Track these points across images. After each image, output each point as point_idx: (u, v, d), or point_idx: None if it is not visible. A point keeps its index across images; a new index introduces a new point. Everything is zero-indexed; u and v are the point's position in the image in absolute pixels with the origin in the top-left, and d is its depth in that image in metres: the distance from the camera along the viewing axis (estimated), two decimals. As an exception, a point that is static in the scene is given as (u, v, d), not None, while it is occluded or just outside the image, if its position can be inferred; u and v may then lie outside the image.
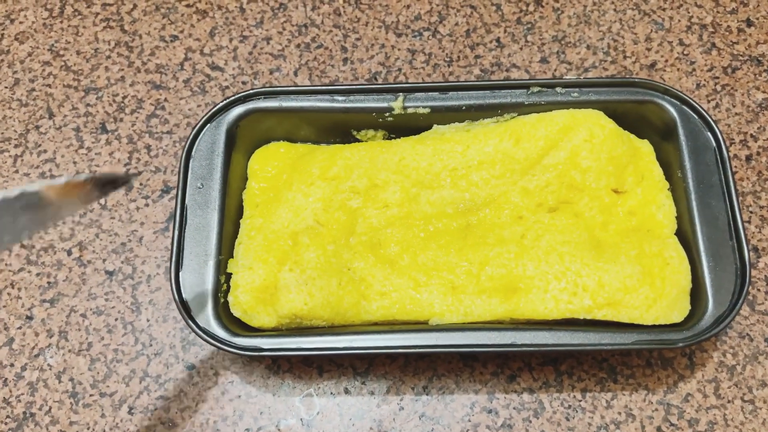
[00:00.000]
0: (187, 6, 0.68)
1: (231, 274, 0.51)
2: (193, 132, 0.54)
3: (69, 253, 0.58)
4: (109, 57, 0.66)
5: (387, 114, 0.55)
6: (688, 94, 0.63)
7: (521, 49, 0.65)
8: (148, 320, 0.56)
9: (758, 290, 0.56)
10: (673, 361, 0.54)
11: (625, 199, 0.53)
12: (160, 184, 0.61)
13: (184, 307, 0.49)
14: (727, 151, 0.52)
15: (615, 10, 0.67)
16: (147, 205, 0.60)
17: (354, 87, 0.55)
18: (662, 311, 0.48)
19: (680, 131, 0.53)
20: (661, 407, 0.52)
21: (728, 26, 0.66)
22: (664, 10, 0.67)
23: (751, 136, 0.61)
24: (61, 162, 0.62)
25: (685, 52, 0.65)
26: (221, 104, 0.54)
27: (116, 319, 0.56)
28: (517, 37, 0.66)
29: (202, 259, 0.50)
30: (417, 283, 0.50)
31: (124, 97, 0.64)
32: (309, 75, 0.65)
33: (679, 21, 0.66)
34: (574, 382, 0.53)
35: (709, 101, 0.63)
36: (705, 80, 0.64)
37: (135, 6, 0.68)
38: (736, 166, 0.60)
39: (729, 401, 0.53)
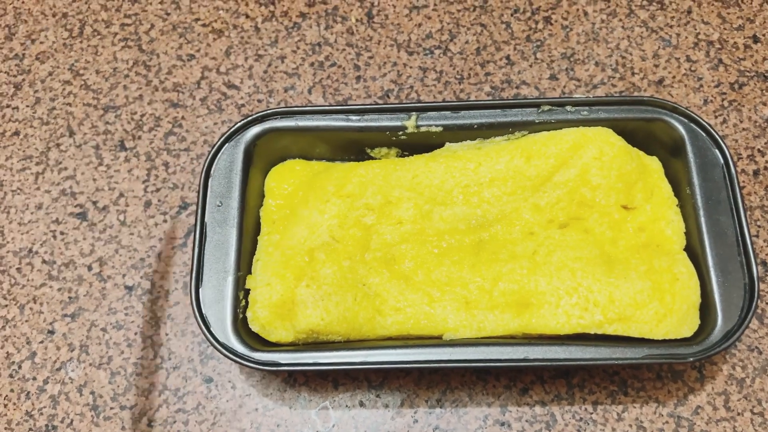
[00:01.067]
0: (203, 26, 0.70)
1: (249, 290, 0.52)
2: (212, 151, 0.55)
3: (89, 268, 0.60)
4: (127, 76, 0.68)
5: (400, 132, 0.56)
6: (695, 110, 0.64)
7: (531, 66, 0.67)
8: (166, 334, 0.57)
9: (767, 304, 0.57)
10: (683, 374, 0.55)
11: (634, 215, 0.54)
12: (178, 201, 0.62)
13: (204, 322, 0.50)
14: (735, 168, 0.53)
15: (623, 27, 0.68)
16: (165, 221, 0.61)
17: (368, 107, 0.56)
18: (672, 326, 0.49)
19: (688, 148, 0.54)
20: (671, 420, 0.53)
21: (735, 42, 0.67)
22: (671, 27, 0.68)
23: (759, 151, 0.62)
24: (81, 179, 0.63)
25: (693, 69, 0.66)
26: (239, 124, 0.56)
27: (135, 333, 0.57)
28: (526, 55, 0.67)
29: (221, 276, 0.51)
30: (431, 298, 0.51)
31: (142, 116, 0.66)
32: (323, 93, 0.66)
33: (686, 38, 0.67)
34: (585, 395, 0.54)
35: (716, 117, 0.64)
36: (712, 96, 0.65)
37: (152, 26, 0.70)
38: (744, 181, 0.61)
39: (739, 414, 0.53)
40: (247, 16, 0.70)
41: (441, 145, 0.57)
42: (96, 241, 0.61)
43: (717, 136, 0.54)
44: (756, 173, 0.61)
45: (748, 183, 0.61)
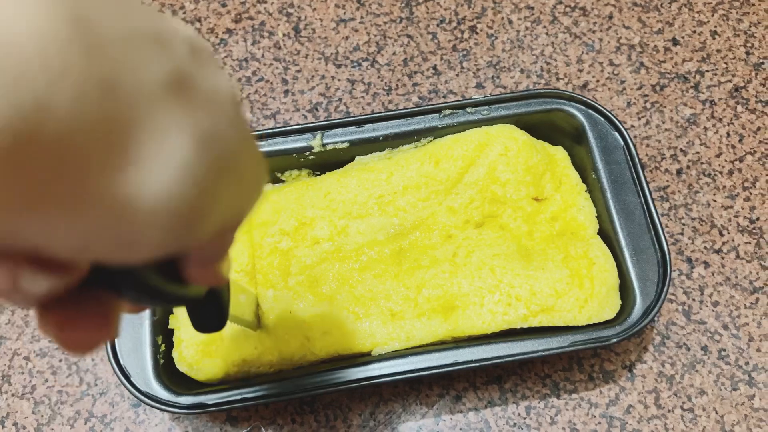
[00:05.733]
0: (129, 45, 0.69)
1: (168, 333, 0.51)
2: None
3: (12, 296, 0.58)
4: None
5: (308, 153, 0.56)
6: (619, 112, 0.65)
7: (457, 75, 0.67)
8: (93, 359, 0.56)
9: (693, 300, 0.57)
10: (614, 374, 0.55)
11: (546, 206, 0.55)
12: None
13: (124, 374, 0.48)
14: (635, 148, 0.54)
15: (547, 33, 0.69)
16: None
17: (269, 131, 0.55)
18: (594, 310, 0.50)
19: (589, 134, 0.55)
20: (604, 420, 0.53)
21: (655, 46, 0.68)
22: (594, 32, 0.69)
23: (681, 150, 0.63)
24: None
25: (615, 72, 0.67)
26: None
27: (60, 360, 0.56)
28: (453, 64, 0.68)
29: (136, 323, 0.50)
30: (356, 316, 0.51)
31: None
32: (251, 108, 0.66)
33: (609, 42, 0.68)
34: (518, 399, 0.54)
35: (639, 119, 0.65)
36: (635, 98, 0.66)
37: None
38: (667, 180, 0.62)
39: (669, 411, 0.54)
40: (173, 35, 0.69)
41: (351, 160, 0.57)
42: (19, 267, 0.59)
43: (615, 119, 0.55)
44: (679, 172, 0.62)
45: (672, 182, 0.62)
